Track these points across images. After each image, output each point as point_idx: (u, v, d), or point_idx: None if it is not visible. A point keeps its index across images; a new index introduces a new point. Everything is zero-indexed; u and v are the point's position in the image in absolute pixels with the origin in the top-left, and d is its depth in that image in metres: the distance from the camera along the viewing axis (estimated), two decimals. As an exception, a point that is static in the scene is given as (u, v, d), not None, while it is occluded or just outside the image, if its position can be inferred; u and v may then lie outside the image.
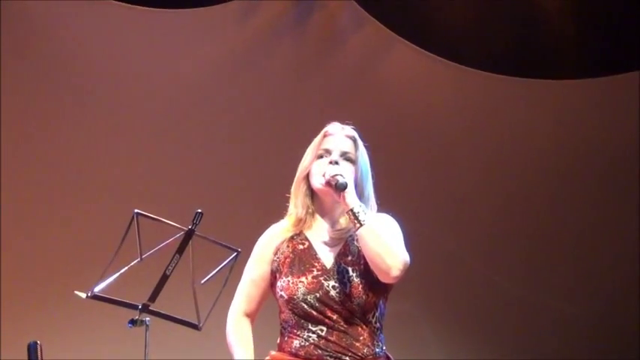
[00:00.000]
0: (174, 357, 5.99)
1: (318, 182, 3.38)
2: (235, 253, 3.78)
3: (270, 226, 3.53)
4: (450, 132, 7.12)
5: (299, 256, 3.40)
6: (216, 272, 3.76)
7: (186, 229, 3.68)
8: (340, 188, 3.27)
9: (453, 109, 7.16)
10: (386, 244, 3.24)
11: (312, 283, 3.33)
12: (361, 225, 3.26)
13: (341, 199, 3.30)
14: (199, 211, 3.68)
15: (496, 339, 7.05)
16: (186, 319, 3.82)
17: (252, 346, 3.43)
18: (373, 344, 3.34)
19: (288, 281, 3.36)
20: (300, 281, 3.33)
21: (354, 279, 3.33)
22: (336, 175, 3.30)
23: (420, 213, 6.77)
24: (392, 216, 3.48)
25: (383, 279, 3.28)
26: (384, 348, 3.41)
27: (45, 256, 6.13)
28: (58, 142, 6.26)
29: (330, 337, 3.30)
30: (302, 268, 3.36)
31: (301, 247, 3.41)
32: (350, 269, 3.35)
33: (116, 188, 6.20)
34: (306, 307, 3.32)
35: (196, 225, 3.67)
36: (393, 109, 6.98)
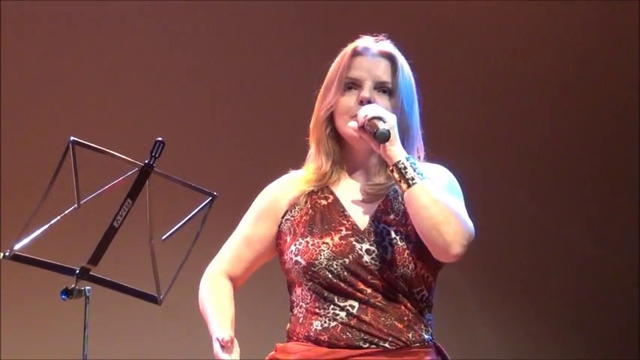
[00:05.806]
0: (124, 338, 5.61)
1: (348, 126, 2.98)
2: (210, 198, 3.35)
3: (272, 174, 3.16)
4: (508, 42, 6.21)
5: (321, 213, 3.01)
6: (184, 224, 3.35)
7: (141, 164, 3.24)
8: (380, 139, 2.87)
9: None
10: (444, 210, 2.83)
11: (340, 246, 2.93)
12: (410, 185, 2.85)
13: (381, 151, 2.91)
14: (160, 139, 3.21)
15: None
16: (141, 290, 3.40)
17: (233, 313, 3.03)
18: (420, 328, 2.94)
19: (307, 242, 2.96)
20: (324, 242, 2.94)
21: (398, 242, 2.93)
22: (374, 118, 2.89)
23: (475, 154, 5.90)
24: (447, 168, 3.06)
25: (439, 257, 2.89)
26: (433, 335, 3.00)
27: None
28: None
29: (363, 316, 2.89)
30: (326, 227, 2.97)
31: (324, 202, 3.04)
32: (392, 230, 2.96)
33: (51, 113, 5.58)
34: (330, 276, 2.91)
35: (156, 159, 3.23)
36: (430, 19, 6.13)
